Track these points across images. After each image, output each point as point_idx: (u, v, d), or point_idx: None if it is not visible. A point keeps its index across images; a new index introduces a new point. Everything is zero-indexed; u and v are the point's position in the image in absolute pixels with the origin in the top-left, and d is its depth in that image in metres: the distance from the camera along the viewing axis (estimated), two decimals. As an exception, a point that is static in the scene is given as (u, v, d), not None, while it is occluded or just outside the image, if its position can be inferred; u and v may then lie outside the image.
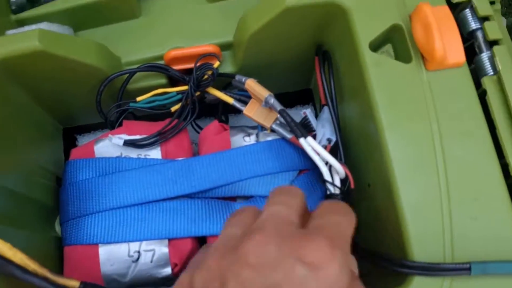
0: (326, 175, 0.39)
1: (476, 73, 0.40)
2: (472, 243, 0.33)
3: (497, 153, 0.36)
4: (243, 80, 0.43)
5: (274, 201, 0.28)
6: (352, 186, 0.39)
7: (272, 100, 0.41)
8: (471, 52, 0.41)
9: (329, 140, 0.43)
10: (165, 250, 0.40)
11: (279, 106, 0.41)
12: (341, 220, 0.27)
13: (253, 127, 0.45)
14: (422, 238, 0.34)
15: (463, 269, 0.32)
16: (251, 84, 0.42)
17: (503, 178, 0.35)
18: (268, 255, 0.24)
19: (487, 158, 0.36)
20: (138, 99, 0.44)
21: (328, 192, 0.39)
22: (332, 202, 0.29)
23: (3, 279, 0.34)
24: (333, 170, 0.39)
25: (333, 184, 0.39)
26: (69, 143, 0.53)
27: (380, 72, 0.37)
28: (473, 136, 0.36)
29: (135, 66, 0.44)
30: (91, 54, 0.41)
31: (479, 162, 0.36)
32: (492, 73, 0.39)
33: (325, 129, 0.43)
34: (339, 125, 0.42)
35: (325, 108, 0.43)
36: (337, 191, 0.39)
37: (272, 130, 0.43)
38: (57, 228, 0.45)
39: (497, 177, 0.35)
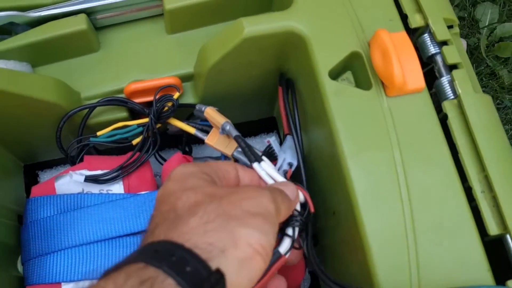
0: None
1: (437, 97, 0.40)
2: (438, 271, 0.33)
3: (460, 176, 0.36)
4: (203, 109, 0.43)
5: None
6: (312, 210, 0.38)
7: (228, 127, 0.40)
8: (432, 76, 0.41)
9: (290, 165, 0.42)
10: None
11: (234, 132, 0.40)
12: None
13: (217, 158, 0.44)
14: (388, 267, 0.33)
15: None
16: (210, 112, 0.42)
17: (466, 201, 0.35)
18: None
19: (450, 182, 0.36)
20: (99, 133, 0.43)
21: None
22: None
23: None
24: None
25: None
26: (31, 180, 0.51)
27: (340, 100, 0.37)
28: (435, 161, 0.36)
29: (95, 101, 0.43)
30: (49, 91, 0.40)
31: (442, 187, 0.35)
32: (452, 97, 0.39)
33: (286, 154, 0.42)
34: (302, 152, 0.42)
35: (288, 137, 0.43)
36: (295, 213, 0.37)
37: (235, 159, 0.43)
38: (19, 267, 0.44)
39: (460, 200, 0.35)
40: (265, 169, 0.38)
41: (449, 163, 0.36)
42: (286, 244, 0.34)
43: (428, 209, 0.35)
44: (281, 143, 0.46)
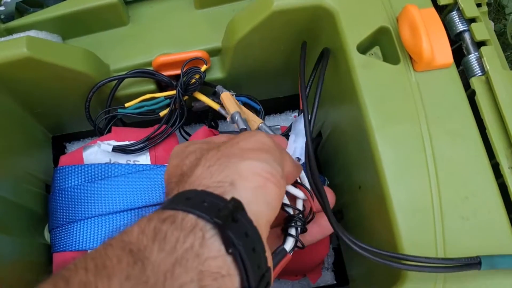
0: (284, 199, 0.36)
1: (465, 74, 0.40)
2: (464, 244, 0.33)
3: (488, 153, 0.36)
4: (221, 92, 0.43)
5: None
6: (314, 209, 0.37)
7: (237, 117, 0.41)
8: (459, 54, 0.41)
9: (298, 159, 0.42)
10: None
11: (242, 125, 0.40)
12: None
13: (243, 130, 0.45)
14: (414, 239, 0.33)
15: (471, 263, 0.31)
16: (224, 98, 0.42)
17: (493, 177, 0.35)
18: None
19: (477, 157, 0.36)
20: (127, 105, 0.44)
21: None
22: None
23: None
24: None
25: (290, 206, 0.36)
26: (58, 151, 0.52)
27: (368, 74, 0.37)
28: (463, 136, 0.36)
29: (124, 73, 0.44)
30: (79, 61, 0.41)
31: (469, 161, 0.35)
32: (480, 73, 0.39)
33: (296, 144, 0.42)
34: (311, 134, 0.40)
35: (300, 117, 0.43)
36: (296, 212, 0.36)
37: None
38: (46, 235, 0.45)
39: (488, 175, 0.35)
40: None
41: (476, 138, 0.36)
42: (290, 243, 0.33)
43: (455, 183, 0.35)
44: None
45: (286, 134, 0.44)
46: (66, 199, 0.42)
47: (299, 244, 0.33)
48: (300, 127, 0.41)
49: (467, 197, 0.35)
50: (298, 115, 0.44)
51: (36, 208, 0.44)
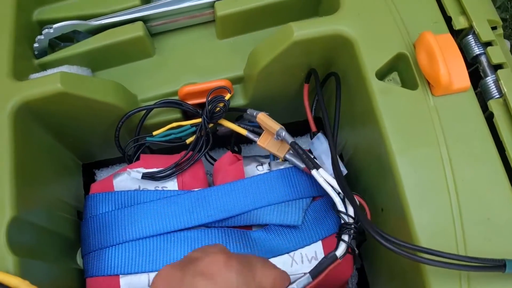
0: (340, 206, 0.39)
1: (482, 96, 0.41)
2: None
3: (508, 174, 0.37)
4: (255, 114, 0.45)
5: None
6: (369, 217, 0.40)
7: (284, 133, 0.42)
8: (476, 77, 0.42)
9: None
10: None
11: (290, 139, 0.42)
12: None
13: (266, 156, 0.46)
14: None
15: (496, 265, 0.32)
16: (263, 118, 0.44)
17: (514, 200, 0.36)
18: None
19: (497, 179, 0.36)
20: (155, 133, 0.46)
21: (342, 221, 0.39)
22: None
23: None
24: (346, 200, 0.40)
25: (347, 214, 0.39)
26: (88, 178, 0.54)
27: (387, 99, 0.38)
28: (482, 159, 0.37)
29: (152, 102, 0.46)
30: (109, 93, 0.43)
31: (489, 183, 0.36)
32: (498, 95, 0.40)
33: (327, 164, 0.43)
34: (335, 152, 0.42)
35: (318, 139, 0.44)
36: (351, 221, 0.39)
37: (285, 159, 0.44)
38: (79, 260, 0.46)
39: (508, 196, 0.36)
40: (323, 176, 0.39)
41: (496, 160, 0.37)
42: (341, 248, 0.36)
43: (476, 205, 0.36)
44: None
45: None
46: (98, 225, 0.43)
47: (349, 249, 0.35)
48: (322, 147, 0.43)
49: (489, 218, 0.35)
50: (312, 138, 0.45)
51: (69, 234, 0.46)
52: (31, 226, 0.39)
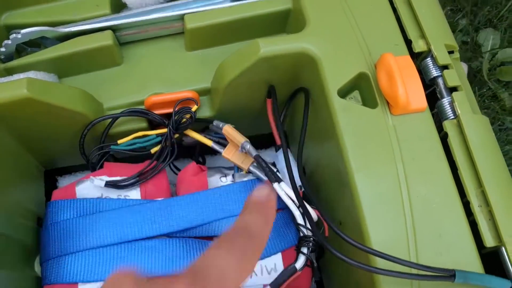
0: (299, 219, 0.40)
1: (439, 116, 0.43)
2: (436, 279, 0.35)
3: (459, 191, 0.38)
4: (221, 126, 0.45)
5: None
6: (327, 234, 0.41)
7: (248, 146, 0.43)
8: (434, 97, 0.43)
9: (300, 187, 0.45)
10: None
11: (254, 152, 0.43)
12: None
13: (230, 168, 0.47)
14: (392, 280, 0.35)
15: (447, 275, 0.34)
16: (229, 130, 0.45)
17: (465, 215, 0.38)
18: None
19: (449, 196, 0.38)
20: (120, 141, 0.46)
21: (301, 234, 0.40)
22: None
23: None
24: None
25: (305, 227, 0.41)
26: (50, 185, 0.54)
27: (348, 117, 0.40)
28: (436, 177, 0.39)
29: (118, 111, 0.46)
30: (76, 101, 0.43)
31: (442, 200, 0.38)
32: (452, 116, 0.41)
33: (295, 169, 0.44)
34: (301, 167, 0.44)
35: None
36: (309, 233, 0.40)
37: (249, 172, 0.45)
38: (37, 268, 0.46)
39: (459, 214, 0.37)
40: (284, 190, 0.40)
41: (449, 178, 0.39)
42: (301, 260, 0.37)
43: (429, 221, 0.37)
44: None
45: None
46: (58, 232, 0.43)
47: (308, 263, 0.36)
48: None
49: (441, 235, 0.37)
50: (276, 151, 0.46)
51: (28, 241, 0.45)
52: (-11, 232, 0.39)
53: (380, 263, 0.36)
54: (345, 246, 0.42)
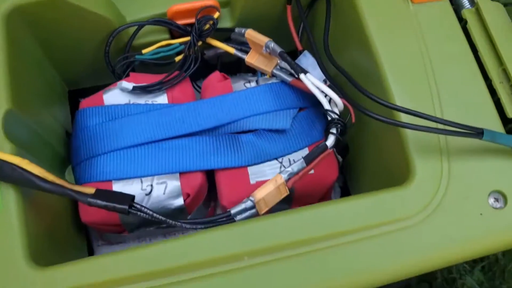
0: (326, 105, 0.41)
1: (456, 10, 0.44)
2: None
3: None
4: (243, 31, 0.46)
5: None
6: (353, 120, 0.42)
7: (272, 45, 0.44)
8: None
9: (325, 81, 0.46)
10: (177, 183, 0.42)
11: (278, 49, 0.44)
12: None
13: (253, 75, 0.48)
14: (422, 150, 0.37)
15: (475, 132, 0.35)
16: (251, 33, 0.46)
17: (487, 91, 0.39)
18: None
19: (473, 76, 0.40)
20: (144, 51, 0.47)
21: (329, 118, 0.41)
22: None
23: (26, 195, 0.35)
24: (333, 104, 0.42)
25: (332, 111, 0.41)
26: (74, 108, 0.54)
27: (371, 4, 0.41)
28: (459, 58, 0.40)
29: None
30: (101, 5, 0.43)
31: (467, 80, 0.39)
32: (470, 6, 0.43)
33: (316, 71, 0.45)
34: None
35: (304, 55, 0.46)
36: (336, 117, 0.41)
37: (273, 75, 0.46)
38: (67, 178, 0.46)
39: (482, 89, 0.39)
40: (311, 80, 0.41)
41: (471, 59, 0.40)
42: (331, 139, 0.39)
43: (456, 96, 0.39)
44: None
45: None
46: (89, 135, 0.44)
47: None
48: (308, 62, 0.45)
49: (466, 105, 0.38)
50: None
51: (58, 148, 0.46)
52: (25, 125, 0.40)
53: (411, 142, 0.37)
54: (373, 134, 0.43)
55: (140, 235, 0.47)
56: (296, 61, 0.47)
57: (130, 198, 0.35)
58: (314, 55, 0.45)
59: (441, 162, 0.37)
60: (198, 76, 0.55)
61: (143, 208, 0.35)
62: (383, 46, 0.40)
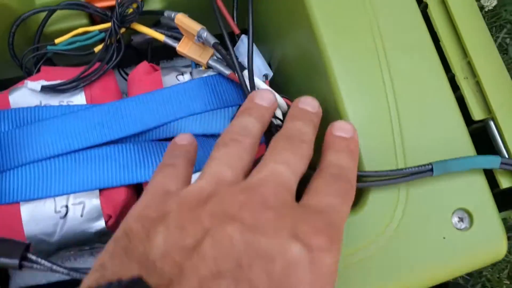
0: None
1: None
2: (424, 150, 0.32)
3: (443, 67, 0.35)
4: (173, 15, 0.40)
5: (277, 157, 0.26)
6: None
7: (205, 34, 0.38)
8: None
9: (265, 76, 0.40)
10: (96, 201, 0.36)
11: (213, 40, 0.38)
12: (341, 209, 0.26)
13: (187, 66, 0.42)
14: (374, 153, 0.32)
15: (425, 170, 0.30)
16: (182, 19, 0.39)
17: (450, 88, 0.34)
18: (265, 218, 0.23)
19: (433, 70, 0.34)
20: (57, 40, 0.40)
21: (273, 123, 0.36)
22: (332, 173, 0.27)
23: None
24: None
25: (275, 117, 0.36)
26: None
27: (316, -12, 0.35)
28: (418, 49, 0.35)
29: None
30: (-4, -12, 0.36)
31: (426, 74, 0.34)
32: (431, -14, 0.37)
33: (256, 64, 0.40)
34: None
35: (244, 38, 0.40)
36: (279, 123, 0.36)
37: (209, 67, 0.40)
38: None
39: (444, 86, 0.34)
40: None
41: (431, 50, 0.35)
42: None
43: (412, 95, 0.33)
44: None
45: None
46: (-7, 146, 0.37)
47: None
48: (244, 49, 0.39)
49: (426, 108, 0.33)
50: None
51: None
52: None
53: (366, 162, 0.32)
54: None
55: (63, 255, 0.41)
56: (235, 48, 0.41)
57: (23, 247, 0.29)
58: (253, 42, 0.39)
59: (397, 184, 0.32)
60: (129, 62, 0.49)
61: (39, 260, 0.29)
62: (330, 36, 0.34)
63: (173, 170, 0.30)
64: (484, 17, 0.77)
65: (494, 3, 0.74)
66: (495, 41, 0.75)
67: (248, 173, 0.27)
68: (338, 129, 0.30)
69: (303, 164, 0.27)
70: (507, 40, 0.77)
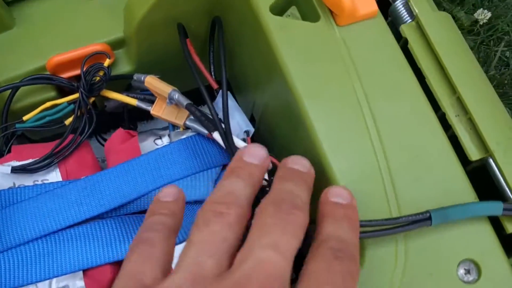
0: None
1: (394, 25, 0.36)
2: (420, 202, 0.29)
3: (431, 105, 0.32)
4: (142, 78, 0.38)
5: (264, 239, 0.23)
6: None
7: (177, 95, 0.36)
8: (385, 4, 0.37)
9: (247, 133, 0.38)
10: (81, 283, 0.34)
11: (185, 101, 0.36)
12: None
13: (164, 128, 0.40)
14: (365, 205, 0.29)
15: (423, 219, 0.27)
16: (151, 81, 0.37)
17: (442, 129, 0.31)
18: None
19: (420, 110, 0.32)
20: (25, 118, 0.38)
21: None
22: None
23: None
24: None
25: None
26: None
27: (287, 36, 0.33)
28: (402, 90, 0.32)
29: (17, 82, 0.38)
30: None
31: (413, 116, 0.32)
32: (410, 19, 0.35)
33: (236, 120, 0.38)
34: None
35: (219, 98, 0.38)
36: (265, 183, 0.34)
37: (187, 127, 0.38)
38: None
39: (435, 128, 0.31)
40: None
41: (417, 90, 0.32)
42: None
43: (401, 142, 0.31)
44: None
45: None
46: (-35, 236, 0.35)
47: None
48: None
49: (417, 155, 0.31)
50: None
51: None
52: None
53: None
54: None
55: None
56: (215, 103, 0.39)
57: None
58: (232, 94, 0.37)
59: (395, 236, 0.29)
60: (107, 127, 0.47)
61: None
62: (305, 86, 0.32)
63: (150, 249, 0.26)
64: (479, 32, 0.76)
65: (489, 15, 0.72)
66: (494, 55, 0.72)
67: (234, 253, 0.24)
68: (335, 195, 0.27)
69: (297, 239, 0.23)
70: (507, 54, 0.74)
